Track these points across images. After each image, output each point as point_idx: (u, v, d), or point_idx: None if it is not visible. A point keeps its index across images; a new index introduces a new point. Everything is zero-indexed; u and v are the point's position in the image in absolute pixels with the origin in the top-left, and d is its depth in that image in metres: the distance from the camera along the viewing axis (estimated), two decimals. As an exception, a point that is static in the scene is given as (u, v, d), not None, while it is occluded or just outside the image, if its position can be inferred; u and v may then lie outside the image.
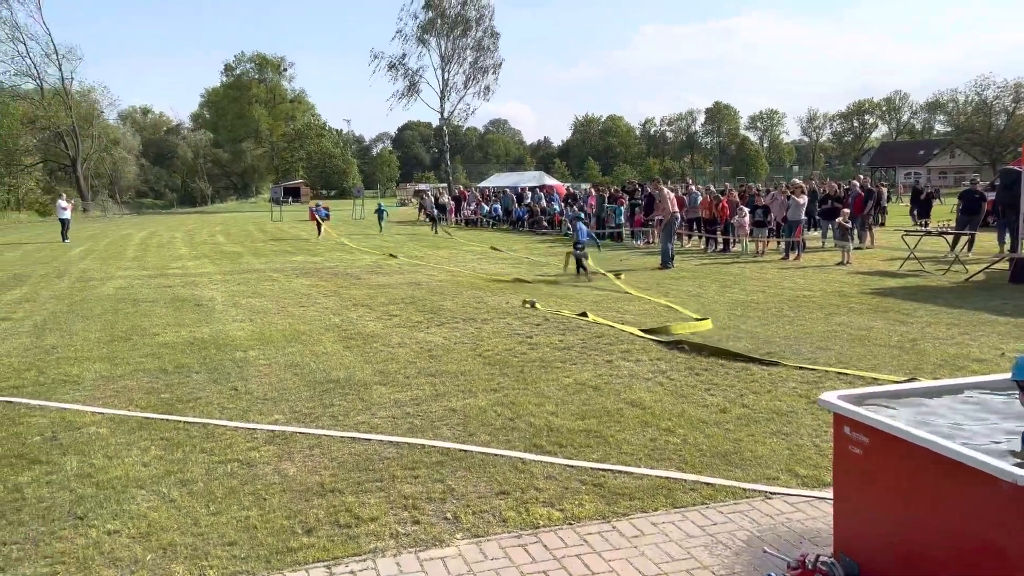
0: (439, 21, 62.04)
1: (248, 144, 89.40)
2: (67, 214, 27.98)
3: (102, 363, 7.74)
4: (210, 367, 7.47)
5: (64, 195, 30.36)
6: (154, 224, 42.90)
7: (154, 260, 19.55)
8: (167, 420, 5.80)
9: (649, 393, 6.26)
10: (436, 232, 29.09)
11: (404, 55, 68.95)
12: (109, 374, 7.28)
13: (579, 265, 14.37)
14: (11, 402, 6.40)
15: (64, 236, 27.52)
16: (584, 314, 9.80)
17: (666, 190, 16.05)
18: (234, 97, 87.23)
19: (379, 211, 32.53)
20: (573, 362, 7.36)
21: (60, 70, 66.25)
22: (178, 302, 11.91)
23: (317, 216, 30.38)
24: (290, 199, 77.28)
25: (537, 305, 10.59)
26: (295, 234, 30.06)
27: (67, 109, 65.06)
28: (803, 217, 17.53)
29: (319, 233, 28.47)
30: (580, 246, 14.81)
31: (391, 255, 19.60)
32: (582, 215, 20.89)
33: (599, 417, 5.67)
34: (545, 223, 27.99)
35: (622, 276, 13.75)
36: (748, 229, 18.57)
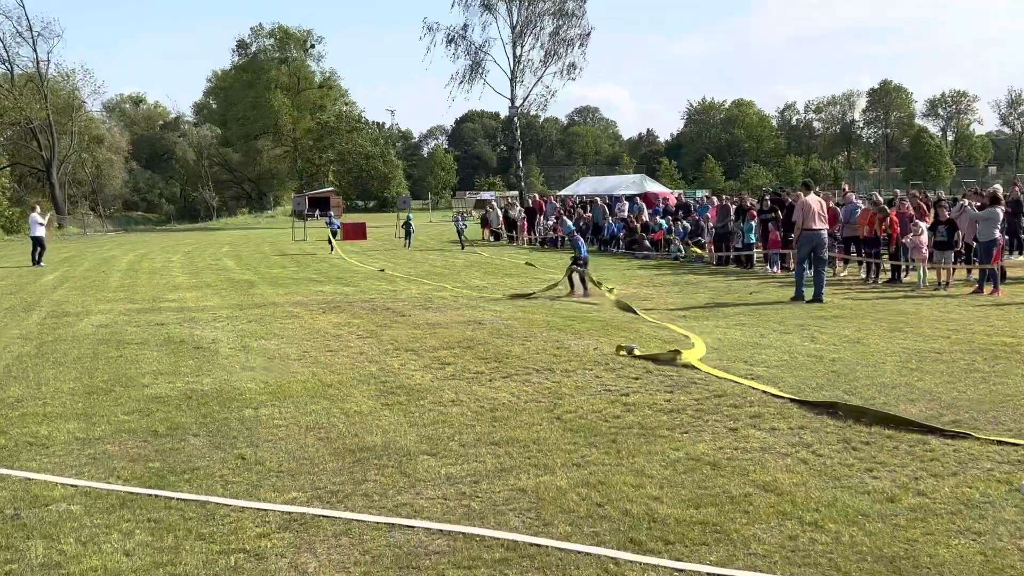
0: (510, -20, 63.26)
1: (265, 142, 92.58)
2: (42, 231, 29.14)
3: (77, 421, 8.05)
4: (212, 428, 7.68)
5: (38, 207, 31.71)
6: (145, 244, 44.61)
7: (144, 290, 20.32)
8: (156, 496, 5.99)
9: (788, 473, 6.14)
10: (463, 248, 32.44)
11: (466, 26, 68.23)
12: (85, 435, 7.56)
13: (582, 283, 17.03)
14: (-34, 468, 6.72)
15: (37, 259, 28.69)
16: (674, 353, 9.71)
17: (806, 197, 15.86)
18: (248, 82, 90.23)
19: (407, 225, 36.13)
20: (684, 429, 7.29)
21: (35, 50, 69.57)
22: (173, 344, 12.31)
23: (331, 229, 34.43)
24: (317, 212, 79.41)
25: (636, 351, 10.55)
26: (322, 256, 30.81)
27: (41, 99, 68.27)
28: (999, 236, 17.01)
29: (331, 249, 31.86)
30: (582, 261, 17.33)
31: (380, 269, 24.13)
32: (581, 225, 23.00)
33: (719, 504, 5.58)
34: (647, 243, 27.93)
35: (614, 290, 15.41)
36: (926, 252, 18.09)
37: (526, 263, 26.97)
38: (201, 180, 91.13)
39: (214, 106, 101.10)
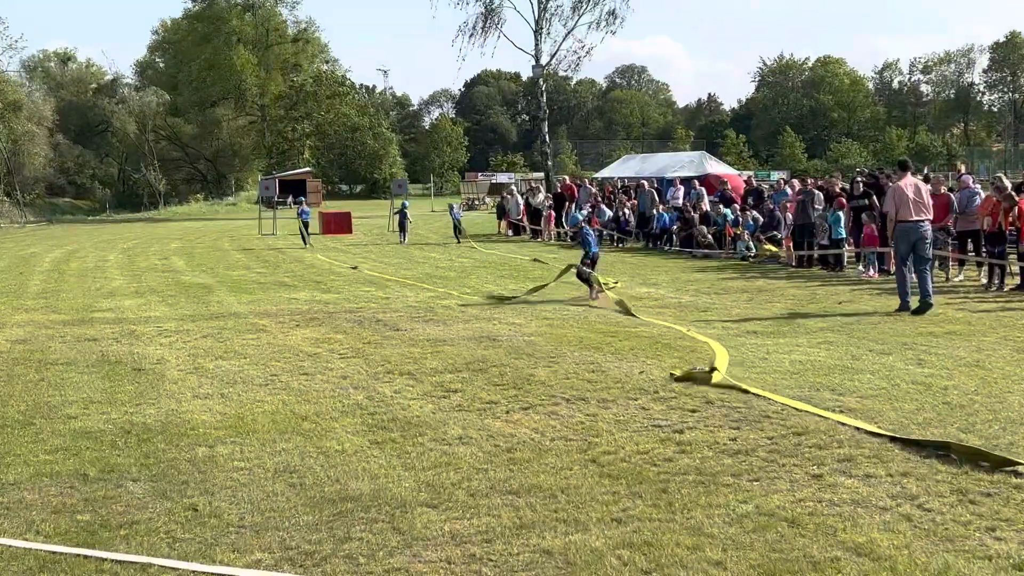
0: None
1: (225, 110, 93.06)
2: None
3: (-12, 461, 8.12)
4: (156, 471, 7.72)
5: None
6: (74, 238, 44.91)
7: (73, 297, 20.46)
8: (85, 557, 6.00)
9: (887, 533, 6.11)
10: (459, 242, 34.56)
11: (477, -38, 68.11)
12: (-2, 479, 7.63)
13: (588, 284, 18.15)
14: None
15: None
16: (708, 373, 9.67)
17: (899, 181, 15.78)
18: (204, 35, 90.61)
19: (402, 215, 37.28)
20: (754, 476, 7.26)
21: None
22: (108, 365, 12.38)
23: (301, 219, 35.73)
24: (290, 199, 79.34)
25: (697, 370, 10.51)
26: (297, 256, 30.94)
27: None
28: None
29: (306, 244, 33.87)
30: (592, 256, 18.65)
31: (352, 267, 25.80)
32: (588, 213, 24.07)
33: (798, 572, 5.56)
34: (708, 238, 27.90)
35: (617, 285, 16.43)
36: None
37: (533, 259, 27.37)
38: (145, 158, 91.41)
39: (161, 65, 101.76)
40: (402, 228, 36.60)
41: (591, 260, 18.56)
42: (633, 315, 15.37)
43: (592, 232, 19.66)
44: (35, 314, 17.71)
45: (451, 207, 39.84)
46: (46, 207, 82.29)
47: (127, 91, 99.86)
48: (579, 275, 18.45)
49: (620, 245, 31.94)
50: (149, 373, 11.79)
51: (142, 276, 25.01)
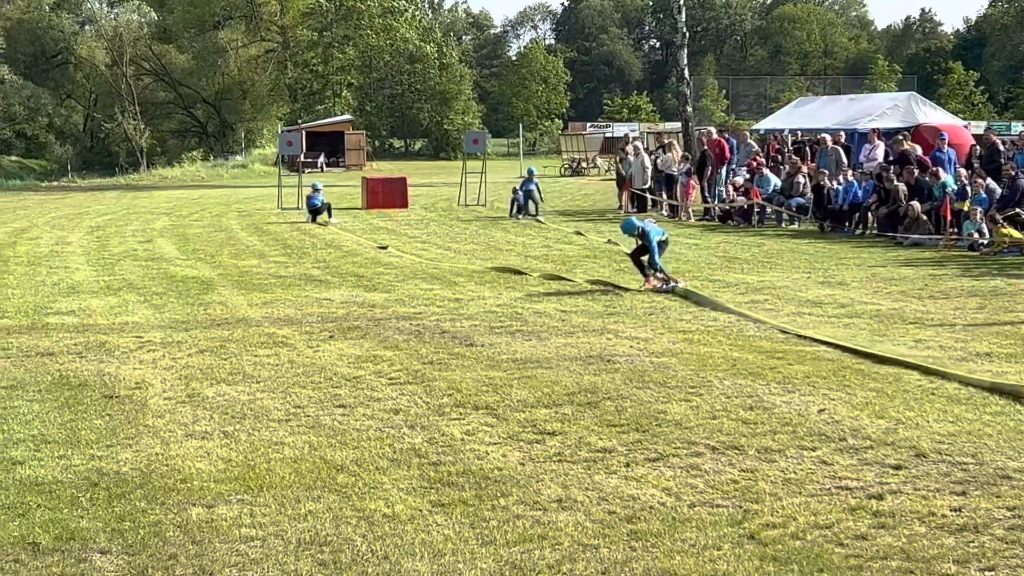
0: None
1: (232, 33, 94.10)
2: None
3: (-98, 522, 8.24)
4: (133, 541, 7.79)
5: None
6: (24, 213, 45.60)
7: (18, 294, 20.75)
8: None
9: None
10: (517, 218, 36.49)
11: None
12: (-84, 547, 7.75)
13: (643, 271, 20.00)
14: None
15: None
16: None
17: None
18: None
19: (526, 188, 37.84)
20: (987, 563, 7.17)
21: None
22: (68, 391, 12.52)
23: (307, 207, 37.07)
24: (322, 160, 79.42)
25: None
26: (332, 238, 31.13)
27: None
28: None
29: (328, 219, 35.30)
30: (661, 243, 19.97)
31: (380, 246, 28.07)
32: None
33: None
34: (922, 216, 27.49)
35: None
36: None
37: (608, 241, 28.07)
38: (121, 101, 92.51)
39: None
40: (524, 204, 37.58)
41: (656, 248, 19.86)
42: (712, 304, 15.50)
43: (655, 229, 20.42)
44: (-32, 318, 18.00)
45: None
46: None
47: (97, 6, 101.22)
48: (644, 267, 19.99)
49: (792, 226, 31.62)
50: (125, 402, 11.90)
51: (116, 265, 25.28)
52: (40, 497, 8.73)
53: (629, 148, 41.01)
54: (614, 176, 46.47)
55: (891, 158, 30.78)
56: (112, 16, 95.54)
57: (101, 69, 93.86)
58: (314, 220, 36.01)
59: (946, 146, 31.25)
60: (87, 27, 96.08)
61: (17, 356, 14.56)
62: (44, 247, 30.04)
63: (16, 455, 9.90)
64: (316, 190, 36.73)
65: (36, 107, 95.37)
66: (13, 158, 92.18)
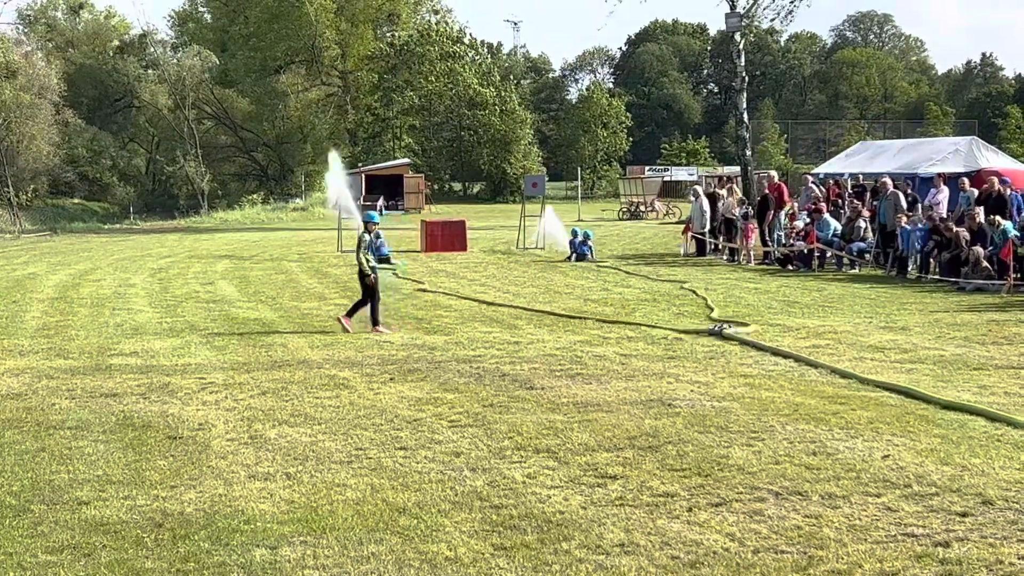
0: None
1: (293, 78, 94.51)
2: None
3: (-31, 562, 8.30)
4: (196, 581, 7.82)
5: None
6: (87, 254, 45.84)
7: (83, 336, 20.85)
8: None
9: None
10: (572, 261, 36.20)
11: None
12: (-17, 587, 7.82)
13: None
14: None
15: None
16: None
17: None
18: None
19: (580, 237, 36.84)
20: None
21: None
22: (132, 431, 12.59)
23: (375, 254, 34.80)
24: (381, 203, 79.71)
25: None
26: (392, 282, 31.20)
27: None
28: None
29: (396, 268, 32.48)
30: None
31: (420, 287, 28.68)
32: None
33: None
34: (983, 263, 27.30)
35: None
36: None
37: (682, 287, 27.67)
38: (183, 144, 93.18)
39: (207, 17, 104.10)
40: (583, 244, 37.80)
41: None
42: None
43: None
44: (33, 358, 18.08)
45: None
46: (48, 211, 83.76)
47: (160, 51, 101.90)
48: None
49: (852, 270, 31.45)
50: (188, 443, 11.97)
51: (178, 307, 25.41)
52: (105, 537, 8.78)
53: (692, 192, 41.01)
54: (674, 220, 46.44)
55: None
56: (175, 60, 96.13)
57: (163, 113, 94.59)
58: (382, 262, 35.27)
59: (1009, 191, 30.99)
60: (150, 71, 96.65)
61: (82, 397, 14.65)
62: (107, 289, 30.17)
63: (81, 495, 9.96)
64: (369, 216, 35.90)
65: (99, 150, 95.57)
66: (76, 200, 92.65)
